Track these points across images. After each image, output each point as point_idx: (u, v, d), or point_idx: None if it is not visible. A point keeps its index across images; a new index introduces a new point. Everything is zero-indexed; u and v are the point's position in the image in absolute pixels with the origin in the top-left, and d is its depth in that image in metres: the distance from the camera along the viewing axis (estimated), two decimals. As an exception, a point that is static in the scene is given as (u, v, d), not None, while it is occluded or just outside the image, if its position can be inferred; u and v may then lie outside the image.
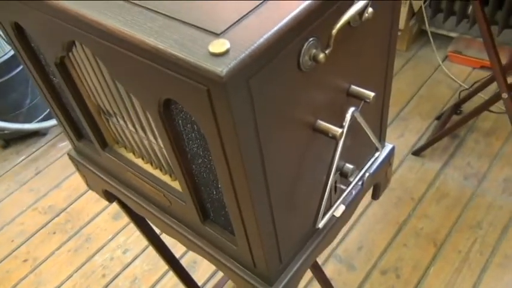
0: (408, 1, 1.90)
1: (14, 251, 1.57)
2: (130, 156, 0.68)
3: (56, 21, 0.47)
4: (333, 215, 0.66)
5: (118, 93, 0.55)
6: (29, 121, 1.87)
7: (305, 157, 0.53)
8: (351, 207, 0.68)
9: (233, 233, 0.58)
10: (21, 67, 1.78)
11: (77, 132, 0.74)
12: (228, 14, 0.39)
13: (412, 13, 1.98)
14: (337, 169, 0.60)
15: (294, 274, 0.62)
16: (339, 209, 0.66)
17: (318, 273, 1.09)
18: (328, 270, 1.38)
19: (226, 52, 0.35)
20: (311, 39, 0.42)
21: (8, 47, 1.72)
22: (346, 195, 0.66)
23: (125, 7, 0.42)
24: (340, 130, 0.51)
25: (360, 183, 0.68)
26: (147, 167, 0.66)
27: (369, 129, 0.60)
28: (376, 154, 0.70)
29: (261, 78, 0.39)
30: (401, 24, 1.96)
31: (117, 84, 0.54)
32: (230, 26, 0.37)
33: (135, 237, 1.55)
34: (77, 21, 0.44)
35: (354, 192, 0.67)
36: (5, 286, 1.48)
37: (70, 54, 0.55)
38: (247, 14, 0.39)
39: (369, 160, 0.69)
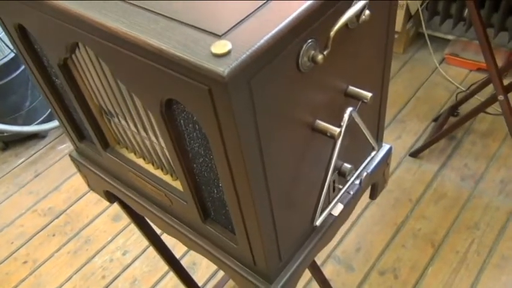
0: (405, 4, 1.92)
1: (13, 253, 1.57)
2: (131, 156, 0.69)
3: (60, 23, 0.49)
4: (332, 214, 0.67)
5: (120, 94, 0.56)
6: (29, 123, 1.88)
7: (304, 156, 0.54)
8: (349, 206, 0.69)
9: (233, 232, 0.59)
10: (21, 69, 1.79)
11: (78, 133, 0.75)
12: (229, 16, 0.40)
13: (409, 16, 2.00)
14: (335, 168, 0.61)
15: (293, 272, 0.63)
16: (337, 208, 0.67)
17: (317, 273, 1.10)
18: (327, 271, 1.38)
19: (228, 53, 0.36)
20: (310, 40, 0.43)
21: (7, 50, 1.73)
22: (344, 195, 0.67)
23: (128, 9, 0.43)
24: (338, 130, 0.52)
25: (357, 182, 0.69)
26: (149, 167, 0.67)
27: (366, 129, 0.62)
28: (374, 154, 0.71)
29: (262, 78, 0.40)
30: (399, 27, 1.97)
31: (119, 84, 0.55)
32: (231, 28, 0.38)
33: (134, 239, 1.55)
34: (81, 23, 0.45)
35: (352, 192, 0.68)
36: (5, 288, 1.48)
37: (73, 55, 0.56)
38: (248, 16, 0.40)
39: (367, 160, 0.70)
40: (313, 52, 0.44)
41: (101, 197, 0.86)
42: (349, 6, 0.46)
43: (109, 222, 1.62)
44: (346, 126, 0.56)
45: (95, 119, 0.66)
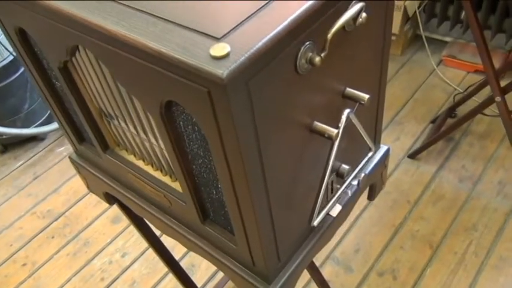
0: (403, 6, 1.93)
1: (12, 255, 1.57)
2: (131, 158, 0.69)
3: (61, 27, 0.49)
4: (330, 215, 0.67)
5: (120, 96, 0.57)
6: (27, 126, 1.88)
7: (302, 157, 0.54)
8: (347, 207, 0.70)
9: (232, 233, 0.60)
10: (20, 72, 1.80)
11: (78, 136, 0.75)
12: (228, 19, 0.41)
13: (406, 18, 2.01)
14: (333, 169, 0.62)
15: (291, 273, 0.63)
16: (335, 209, 0.67)
17: (316, 274, 1.10)
18: (326, 272, 1.39)
19: (227, 55, 0.36)
20: (307, 43, 0.44)
21: (6, 53, 1.73)
22: (342, 195, 0.68)
23: (127, 12, 0.43)
24: (336, 131, 0.53)
25: (355, 183, 0.69)
26: (148, 169, 0.67)
27: (363, 130, 0.62)
28: (370, 154, 0.71)
29: (260, 80, 0.41)
30: (396, 29, 1.98)
31: (119, 87, 0.55)
32: (230, 30, 0.39)
33: (133, 241, 1.56)
34: (81, 26, 0.45)
35: (350, 193, 0.69)
36: (4, 290, 1.48)
37: (73, 58, 0.57)
38: (246, 18, 0.40)
39: (364, 161, 0.71)
40: (310, 54, 0.45)
41: (101, 198, 0.86)
42: (346, 8, 0.47)
43: (108, 224, 1.62)
44: (343, 128, 0.56)
45: (94, 121, 0.67)
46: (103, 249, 1.55)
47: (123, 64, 0.46)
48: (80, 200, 1.72)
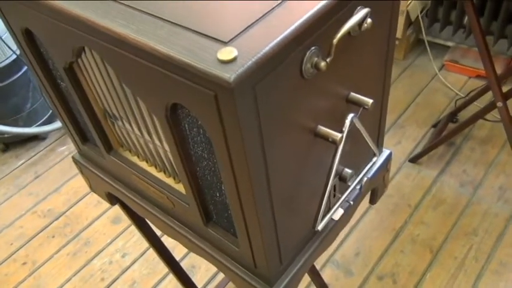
0: (405, 11, 1.93)
1: (13, 254, 1.57)
2: (134, 159, 0.69)
3: (67, 28, 0.49)
4: (332, 219, 0.67)
5: (125, 97, 0.57)
6: (29, 125, 1.89)
7: (306, 161, 0.55)
8: (349, 211, 0.70)
9: (235, 235, 0.60)
10: (22, 71, 1.80)
11: (81, 136, 0.76)
12: (235, 23, 0.41)
13: (409, 22, 2.01)
14: (336, 173, 0.62)
15: (293, 275, 0.63)
16: (337, 213, 0.68)
17: (316, 278, 1.10)
18: (326, 276, 1.39)
19: (234, 59, 0.37)
20: (313, 48, 0.44)
21: (9, 52, 1.73)
22: (344, 199, 0.68)
23: (135, 15, 0.44)
24: (340, 135, 0.53)
25: (358, 187, 0.69)
26: (151, 170, 0.67)
27: (367, 134, 0.62)
28: (374, 159, 0.71)
29: (266, 84, 0.41)
30: (399, 33, 1.99)
31: (124, 88, 0.55)
32: (237, 35, 0.39)
33: (133, 241, 1.56)
34: (88, 28, 0.46)
35: (352, 197, 0.69)
36: (4, 289, 1.48)
37: (79, 59, 0.57)
38: (253, 22, 0.41)
39: (367, 165, 0.71)
40: (316, 59, 0.45)
41: (103, 199, 0.87)
42: (351, 14, 0.47)
43: (108, 224, 1.63)
44: (347, 132, 0.57)
45: (99, 122, 0.67)
46: (103, 249, 1.55)
47: (129, 66, 0.46)
48: (81, 199, 1.72)
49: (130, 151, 0.70)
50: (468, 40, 1.95)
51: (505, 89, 1.39)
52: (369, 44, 0.55)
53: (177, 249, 1.38)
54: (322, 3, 0.42)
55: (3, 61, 1.72)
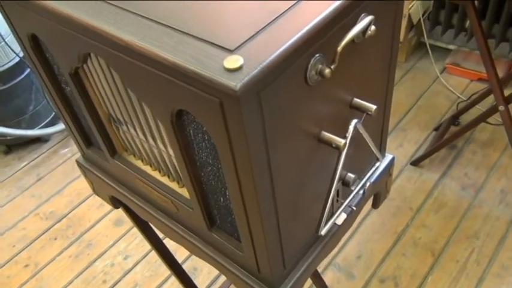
0: (407, 14, 1.94)
1: (15, 256, 1.58)
2: (138, 163, 0.70)
3: (74, 34, 0.50)
4: (336, 224, 0.68)
5: (130, 103, 0.57)
6: (32, 127, 1.89)
7: (309, 166, 0.55)
8: (352, 215, 0.70)
9: (239, 239, 0.60)
10: (25, 74, 1.81)
11: (85, 140, 0.76)
12: (241, 31, 0.41)
13: (411, 25, 2.02)
14: (339, 178, 0.63)
15: (297, 280, 0.64)
16: (340, 217, 0.68)
17: (318, 281, 1.11)
18: (328, 279, 1.39)
19: (240, 68, 0.37)
20: (317, 55, 0.45)
21: (12, 54, 1.74)
22: (347, 204, 0.68)
23: (142, 22, 0.44)
24: (343, 141, 0.53)
25: (361, 192, 0.70)
26: (155, 174, 0.68)
27: (370, 140, 0.63)
28: (377, 164, 0.72)
29: (271, 91, 0.41)
30: (401, 36, 1.98)
31: (129, 93, 0.56)
32: (243, 43, 0.40)
33: (136, 244, 1.56)
34: (95, 35, 0.46)
35: (355, 202, 0.69)
36: (6, 291, 1.49)
37: (84, 65, 0.58)
38: (259, 31, 0.41)
39: (370, 170, 0.71)
40: (320, 66, 0.45)
41: (106, 202, 0.87)
42: (355, 21, 0.48)
43: (111, 226, 1.63)
44: (350, 138, 0.57)
45: (103, 126, 0.67)
46: (105, 251, 1.56)
47: (135, 72, 0.46)
48: (83, 201, 1.72)
49: (134, 155, 0.71)
50: (470, 43, 1.95)
51: (506, 92, 1.40)
52: (372, 50, 0.56)
53: (179, 252, 1.38)
54: (326, 11, 0.43)
55: (6, 63, 1.73)
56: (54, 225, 1.66)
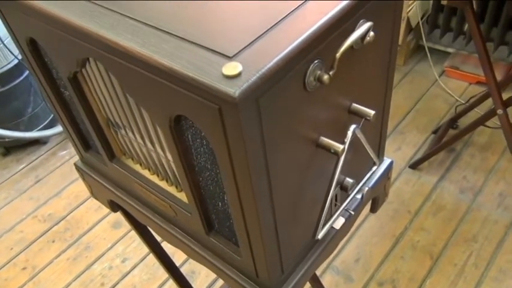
0: (406, 17, 1.94)
1: (13, 259, 1.57)
2: (137, 167, 0.70)
3: (73, 39, 0.50)
4: (334, 228, 0.68)
5: (128, 107, 0.57)
6: (30, 129, 1.89)
7: (308, 171, 0.55)
8: (350, 219, 0.70)
9: (237, 244, 0.60)
10: (24, 76, 1.80)
11: (84, 143, 0.76)
12: (239, 37, 0.41)
13: (409, 29, 2.02)
14: (337, 183, 0.63)
15: (295, 284, 0.63)
16: (338, 222, 0.68)
17: (316, 284, 1.10)
18: (326, 282, 1.39)
19: (239, 75, 0.37)
20: (316, 61, 0.45)
21: (11, 56, 1.74)
22: (345, 208, 0.68)
23: (141, 29, 0.44)
24: (341, 146, 0.53)
25: (359, 196, 0.70)
26: (154, 178, 0.68)
27: (369, 145, 0.63)
28: (375, 168, 0.72)
29: (269, 97, 0.41)
30: (399, 39, 1.99)
31: (127, 98, 0.56)
32: (242, 49, 0.40)
33: (134, 246, 1.56)
34: (94, 40, 0.46)
35: (353, 206, 0.69)
36: (4, 294, 1.48)
37: (83, 69, 0.58)
38: (257, 37, 0.41)
39: (368, 174, 0.71)
40: (319, 72, 0.45)
41: (105, 205, 0.87)
42: (354, 28, 0.48)
43: (109, 229, 1.63)
44: (349, 143, 0.57)
45: (101, 130, 0.67)
46: (103, 254, 1.55)
47: (134, 77, 0.46)
48: (81, 204, 1.72)
49: (132, 159, 0.71)
50: (468, 46, 1.96)
51: (505, 96, 1.40)
52: (371, 55, 0.56)
53: (177, 255, 1.38)
54: (325, 17, 0.43)
55: (5, 66, 1.73)
56: (52, 227, 1.66)
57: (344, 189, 0.65)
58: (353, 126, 0.57)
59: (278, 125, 0.45)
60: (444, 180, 1.63)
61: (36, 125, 1.92)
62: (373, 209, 0.79)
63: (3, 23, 0.61)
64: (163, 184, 0.67)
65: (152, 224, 0.75)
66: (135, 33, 0.43)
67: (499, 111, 1.38)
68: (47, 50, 0.58)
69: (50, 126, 1.96)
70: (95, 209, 1.69)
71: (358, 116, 0.57)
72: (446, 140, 1.62)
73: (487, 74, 1.35)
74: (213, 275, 1.45)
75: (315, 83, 0.46)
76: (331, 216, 0.66)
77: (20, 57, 1.73)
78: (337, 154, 0.54)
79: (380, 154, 0.73)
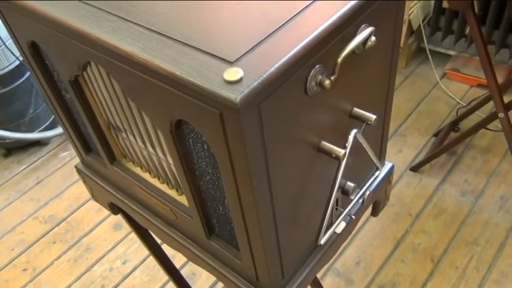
0: (407, 19, 1.94)
1: (13, 260, 1.57)
2: (137, 170, 0.70)
3: (74, 43, 0.50)
4: (335, 232, 0.67)
5: (129, 110, 0.57)
6: (31, 130, 1.89)
7: (309, 176, 0.55)
8: (351, 223, 0.70)
9: (237, 248, 0.60)
10: (25, 77, 1.81)
11: (85, 146, 0.76)
12: (241, 42, 0.41)
13: (411, 31, 2.02)
14: (339, 187, 0.62)
15: (295, 289, 0.63)
16: (339, 226, 0.68)
17: (317, 287, 1.10)
18: (327, 284, 1.39)
19: (240, 80, 0.37)
20: (317, 66, 0.44)
21: (12, 57, 1.74)
22: (347, 213, 0.68)
23: (143, 34, 0.44)
24: (343, 151, 0.53)
25: (360, 200, 0.70)
26: (154, 182, 0.68)
27: (370, 149, 0.63)
28: (377, 173, 0.72)
29: (271, 102, 0.41)
30: (401, 41, 1.99)
31: (129, 101, 0.56)
32: (243, 55, 0.40)
33: (135, 248, 1.56)
34: (95, 44, 0.46)
35: (354, 210, 0.69)
36: (4, 295, 1.48)
37: (84, 73, 0.58)
38: (258, 43, 0.41)
39: (370, 178, 0.71)
40: (320, 77, 0.45)
41: (105, 208, 0.87)
42: (355, 33, 0.48)
43: (110, 230, 1.63)
44: (350, 147, 0.57)
45: (102, 133, 0.67)
46: (104, 255, 1.55)
47: (135, 82, 0.46)
48: (82, 205, 1.72)
49: (133, 162, 0.70)
50: (470, 49, 1.95)
51: (506, 98, 1.40)
52: (372, 59, 0.56)
53: (177, 257, 1.37)
54: (327, 22, 0.43)
55: (6, 67, 1.73)
56: (53, 229, 1.66)
57: (346, 193, 0.65)
58: (354, 131, 0.57)
59: (279, 130, 0.45)
60: (445, 183, 1.62)
61: (38, 126, 1.92)
62: (374, 213, 0.79)
63: (5, 26, 0.61)
64: (164, 187, 0.67)
65: (153, 227, 0.75)
66: (137, 37, 0.43)
67: (501, 115, 1.37)
68: (48, 53, 0.58)
69: (51, 127, 1.96)
70: (96, 210, 1.69)
71: (360, 120, 0.57)
72: (448, 142, 1.62)
73: (488, 76, 1.35)
74: (214, 278, 1.44)
75: (317, 87, 0.46)
76: (333, 220, 0.66)
77: (21, 58, 1.73)
78: (338, 159, 0.53)
79: (381, 158, 0.73)
